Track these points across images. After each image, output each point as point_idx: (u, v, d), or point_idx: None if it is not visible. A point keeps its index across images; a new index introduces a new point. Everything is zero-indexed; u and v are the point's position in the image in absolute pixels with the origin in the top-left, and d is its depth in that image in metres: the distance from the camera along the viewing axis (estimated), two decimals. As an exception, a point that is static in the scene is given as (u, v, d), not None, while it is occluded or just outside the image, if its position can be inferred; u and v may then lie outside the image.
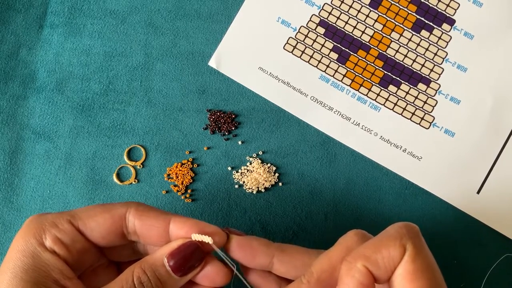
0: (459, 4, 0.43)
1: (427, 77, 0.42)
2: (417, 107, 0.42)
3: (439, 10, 0.43)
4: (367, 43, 0.43)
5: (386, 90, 0.42)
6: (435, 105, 0.42)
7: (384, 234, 0.26)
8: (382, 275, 0.25)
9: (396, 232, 0.26)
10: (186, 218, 0.30)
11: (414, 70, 0.42)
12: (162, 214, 0.30)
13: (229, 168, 0.42)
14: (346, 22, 0.43)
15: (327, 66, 0.42)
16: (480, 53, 0.43)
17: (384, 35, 0.43)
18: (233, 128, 0.42)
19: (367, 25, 0.43)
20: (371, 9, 0.43)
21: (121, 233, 0.30)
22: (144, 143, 0.42)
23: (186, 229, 0.30)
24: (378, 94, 0.42)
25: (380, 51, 0.43)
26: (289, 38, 0.43)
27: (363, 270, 0.25)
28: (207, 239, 0.29)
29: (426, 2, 0.43)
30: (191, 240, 0.29)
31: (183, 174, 0.41)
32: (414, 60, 0.42)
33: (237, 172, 0.42)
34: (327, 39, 0.43)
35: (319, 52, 0.43)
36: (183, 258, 0.29)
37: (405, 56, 0.43)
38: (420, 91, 0.42)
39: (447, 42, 0.43)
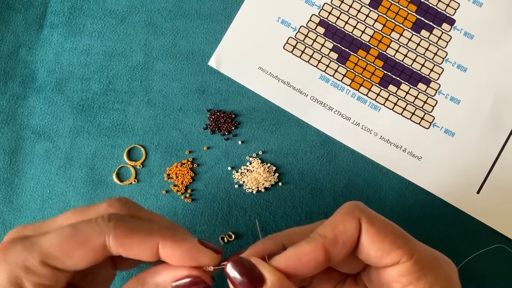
0: (459, 4, 0.43)
1: (427, 77, 0.42)
2: (417, 107, 0.42)
3: (439, 10, 0.43)
4: (367, 43, 0.43)
5: (386, 90, 0.42)
6: (435, 105, 0.42)
7: (337, 213, 0.27)
8: (340, 251, 0.26)
9: (347, 208, 0.27)
10: (174, 242, 0.26)
11: (414, 70, 0.42)
12: (147, 237, 0.26)
13: (229, 168, 0.42)
14: (346, 22, 0.43)
15: (327, 66, 0.42)
16: (480, 53, 0.43)
17: (384, 35, 0.43)
18: (233, 128, 0.42)
19: (367, 25, 0.43)
20: (371, 9, 0.43)
21: (106, 257, 0.27)
22: (144, 143, 0.42)
23: (177, 258, 0.26)
24: (378, 94, 0.42)
25: (380, 51, 0.43)
26: (289, 38, 0.43)
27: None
28: (207, 270, 0.27)
29: (426, 2, 0.43)
30: (198, 277, 0.27)
31: (183, 174, 0.41)
32: (414, 60, 0.42)
33: (237, 172, 0.41)
34: (327, 39, 0.43)
35: (319, 52, 0.43)
36: None
37: (405, 56, 0.43)
38: (420, 91, 0.42)
39: (447, 42, 0.43)
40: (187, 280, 0.26)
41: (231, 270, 0.26)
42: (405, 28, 0.43)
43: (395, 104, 0.42)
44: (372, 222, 0.26)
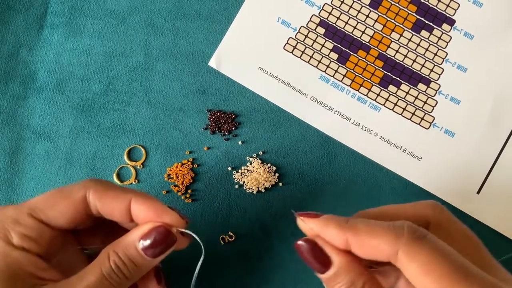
0: (459, 4, 0.43)
1: (427, 77, 0.42)
2: (417, 107, 0.42)
3: (439, 10, 0.43)
4: (367, 43, 0.43)
5: (386, 90, 0.42)
6: (435, 105, 0.42)
7: (385, 224, 0.25)
8: (362, 254, 0.26)
9: (396, 229, 0.25)
10: (145, 199, 0.30)
11: (414, 70, 0.42)
12: (122, 194, 0.30)
13: (229, 168, 0.42)
14: (346, 23, 0.43)
15: (327, 66, 0.43)
16: (480, 53, 0.43)
17: (384, 35, 0.43)
18: (233, 128, 0.42)
19: (367, 25, 0.43)
20: (371, 9, 0.43)
21: (85, 215, 0.30)
22: (144, 143, 0.42)
23: (146, 211, 0.30)
24: (378, 94, 0.42)
25: (380, 51, 0.43)
26: (289, 38, 0.43)
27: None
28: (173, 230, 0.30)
29: (426, 2, 0.43)
30: (161, 225, 0.30)
31: (183, 174, 0.41)
32: (414, 60, 0.43)
33: (237, 172, 0.42)
34: (327, 39, 0.43)
35: (319, 52, 0.43)
36: (154, 242, 0.29)
37: (405, 56, 0.43)
38: (420, 91, 0.42)
39: (447, 42, 0.43)
40: (152, 237, 0.29)
41: (301, 248, 0.27)
42: (405, 28, 0.43)
43: (395, 104, 0.42)
44: (413, 256, 0.24)
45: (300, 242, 0.27)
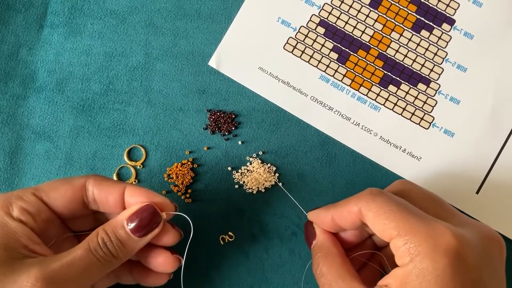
0: (459, 4, 0.43)
1: (427, 77, 0.42)
2: (417, 107, 0.42)
3: (439, 10, 0.43)
4: (367, 43, 0.43)
5: (386, 90, 0.42)
6: (434, 105, 0.42)
7: (354, 195, 0.33)
8: (344, 223, 0.33)
9: (359, 194, 0.32)
10: (139, 187, 0.33)
11: (414, 70, 0.42)
12: (118, 183, 0.33)
13: (229, 168, 0.42)
14: (346, 22, 0.43)
15: (327, 66, 0.43)
16: (480, 53, 0.43)
17: (384, 35, 0.43)
18: (233, 128, 0.42)
19: (367, 25, 0.43)
20: (371, 9, 0.43)
21: (82, 202, 0.33)
22: (144, 143, 0.42)
23: (138, 196, 0.33)
24: (378, 94, 0.42)
25: (380, 51, 0.43)
26: (289, 38, 0.43)
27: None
28: (162, 216, 0.33)
29: (426, 2, 0.43)
30: (148, 204, 0.32)
31: (183, 174, 0.41)
32: (414, 60, 0.43)
33: (237, 172, 0.42)
34: (327, 39, 0.43)
35: (319, 52, 0.43)
36: (141, 220, 0.32)
37: (405, 56, 0.43)
38: (420, 91, 0.42)
39: (447, 42, 0.43)
40: (139, 217, 0.32)
41: (305, 226, 0.36)
42: (405, 28, 0.43)
43: (395, 104, 0.42)
44: (369, 208, 0.30)
45: (305, 222, 0.36)
